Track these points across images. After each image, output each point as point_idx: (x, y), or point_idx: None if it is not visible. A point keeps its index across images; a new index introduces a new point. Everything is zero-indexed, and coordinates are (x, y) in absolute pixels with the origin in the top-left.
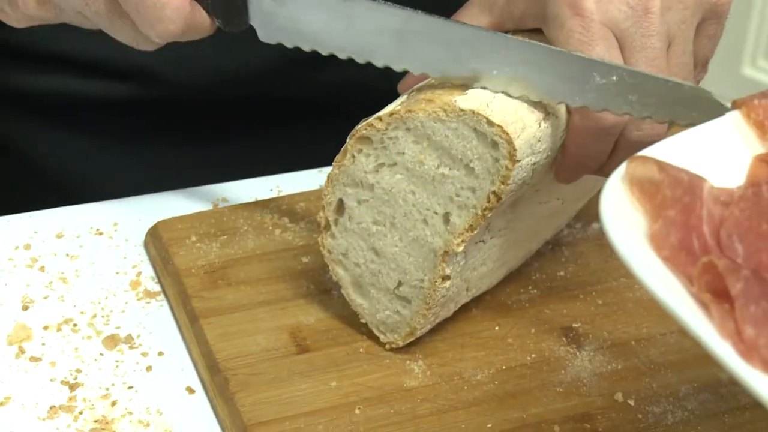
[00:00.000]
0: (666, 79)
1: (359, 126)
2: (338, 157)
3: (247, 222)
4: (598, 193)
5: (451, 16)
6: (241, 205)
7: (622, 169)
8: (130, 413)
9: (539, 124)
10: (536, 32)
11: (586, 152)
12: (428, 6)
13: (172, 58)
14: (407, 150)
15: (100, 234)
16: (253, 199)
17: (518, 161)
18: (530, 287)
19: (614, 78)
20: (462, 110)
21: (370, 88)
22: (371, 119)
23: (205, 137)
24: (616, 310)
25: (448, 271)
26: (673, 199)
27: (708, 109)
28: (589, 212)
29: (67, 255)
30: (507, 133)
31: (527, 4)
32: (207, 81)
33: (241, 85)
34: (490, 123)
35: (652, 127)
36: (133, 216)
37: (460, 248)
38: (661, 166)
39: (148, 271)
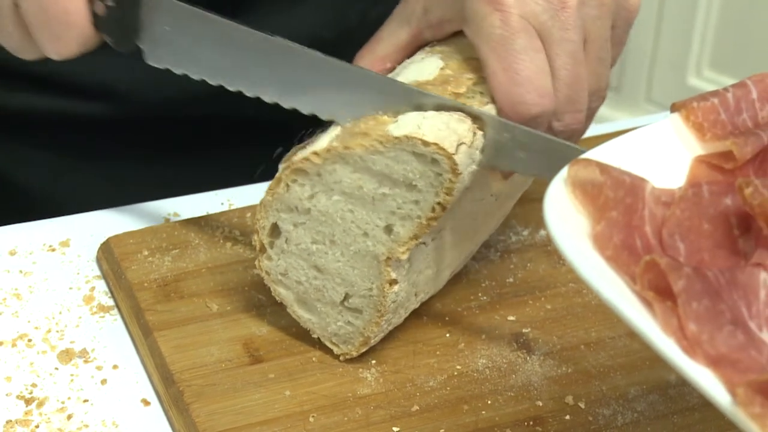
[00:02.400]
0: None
1: (295, 158)
2: (272, 184)
3: (199, 236)
4: (543, 199)
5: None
6: (192, 219)
7: (564, 172)
8: (87, 426)
9: (473, 132)
10: (455, 38)
11: None
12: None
13: (133, 77)
14: (345, 179)
15: (53, 250)
16: (205, 213)
17: (460, 173)
18: (480, 294)
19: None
20: (396, 138)
21: None
22: (308, 154)
23: (159, 154)
24: (565, 315)
25: (394, 276)
26: (616, 200)
27: None
28: (537, 219)
29: (21, 271)
30: (444, 149)
31: (443, 10)
32: (165, 99)
33: (198, 104)
34: (425, 143)
35: (572, 116)
36: (85, 232)
37: (405, 256)
38: (603, 168)
39: (101, 286)
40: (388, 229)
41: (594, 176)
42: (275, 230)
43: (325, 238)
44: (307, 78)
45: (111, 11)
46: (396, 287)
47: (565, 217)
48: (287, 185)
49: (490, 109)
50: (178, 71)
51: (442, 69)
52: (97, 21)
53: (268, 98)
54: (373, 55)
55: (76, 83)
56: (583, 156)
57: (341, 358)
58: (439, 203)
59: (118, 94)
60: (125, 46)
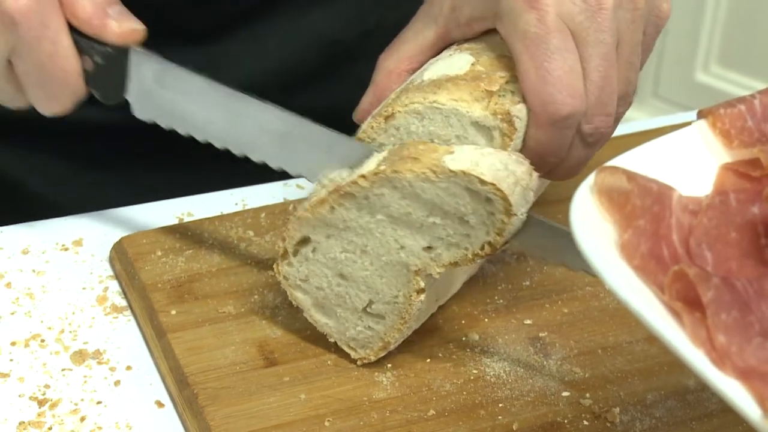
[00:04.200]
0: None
1: (342, 182)
2: (314, 202)
3: (213, 236)
4: (562, 202)
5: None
6: (206, 219)
7: (591, 180)
8: (100, 428)
9: (530, 174)
10: (484, 35)
11: (545, 146)
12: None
13: None
14: (394, 204)
15: (66, 250)
16: (219, 213)
17: (514, 215)
18: (496, 297)
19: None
20: (452, 171)
21: (339, 113)
22: (356, 177)
23: (173, 161)
24: (582, 318)
25: (422, 284)
26: (643, 208)
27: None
28: (554, 222)
29: (34, 271)
30: (501, 191)
31: (473, 8)
32: None
33: None
34: (482, 182)
35: (602, 120)
36: (99, 231)
37: (438, 276)
38: (630, 175)
39: (114, 286)
40: (429, 248)
41: (621, 184)
42: (304, 240)
43: (356, 248)
44: (281, 138)
45: (98, 67)
46: (423, 296)
47: (592, 225)
48: (332, 208)
49: (521, 109)
50: (164, 125)
51: (473, 65)
52: (86, 76)
53: (255, 158)
54: (398, 55)
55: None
56: (610, 163)
57: (358, 362)
58: (489, 242)
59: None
60: (113, 100)
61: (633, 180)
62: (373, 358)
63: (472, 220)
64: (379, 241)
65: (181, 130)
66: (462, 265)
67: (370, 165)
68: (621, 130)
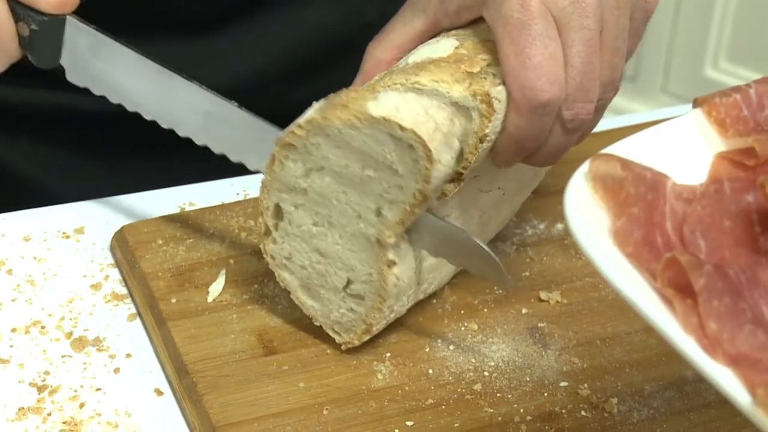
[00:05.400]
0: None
1: (283, 133)
2: (268, 163)
3: (213, 225)
4: (560, 192)
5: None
6: (207, 208)
7: (585, 167)
8: (99, 415)
9: (451, 120)
10: (472, 23)
11: (524, 132)
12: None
13: None
14: (330, 155)
15: (67, 237)
16: (220, 203)
17: (437, 161)
18: (496, 287)
19: None
20: (374, 117)
21: None
22: (292, 126)
23: (173, 147)
24: (581, 309)
25: (391, 256)
26: (637, 196)
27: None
28: (554, 212)
29: (35, 258)
30: (420, 137)
31: None
32: None
33: None
34: (402, 128)
35: (583, 106)
36: (100, 219)
37: (392, 240)
38: (625, 163)
39: (114, 274)
40: (378, 212)
41: (615, 171)
42: (279, 212)
43: (323, 219)
44: (205, 117)
45: (34, 33)
46: (396, 269)
47: (586, 212)
48: (281, 162)
49: (501, 91)
50: (96, 93)
51: (456, 48)
52: (21, 40)
53: (181, 132)
54: (387, 44)
55: None
56: (605, 151)
57: (343, 347)
58: (419, 190)
59: None
60: (47, 65)
61: (627, 168)
62: (357, 342)
63: (400, 168)
64: (339, 210)
65: (113, 99)
66: (406, 221)
67: (306, 114)
68: (624, 122)
